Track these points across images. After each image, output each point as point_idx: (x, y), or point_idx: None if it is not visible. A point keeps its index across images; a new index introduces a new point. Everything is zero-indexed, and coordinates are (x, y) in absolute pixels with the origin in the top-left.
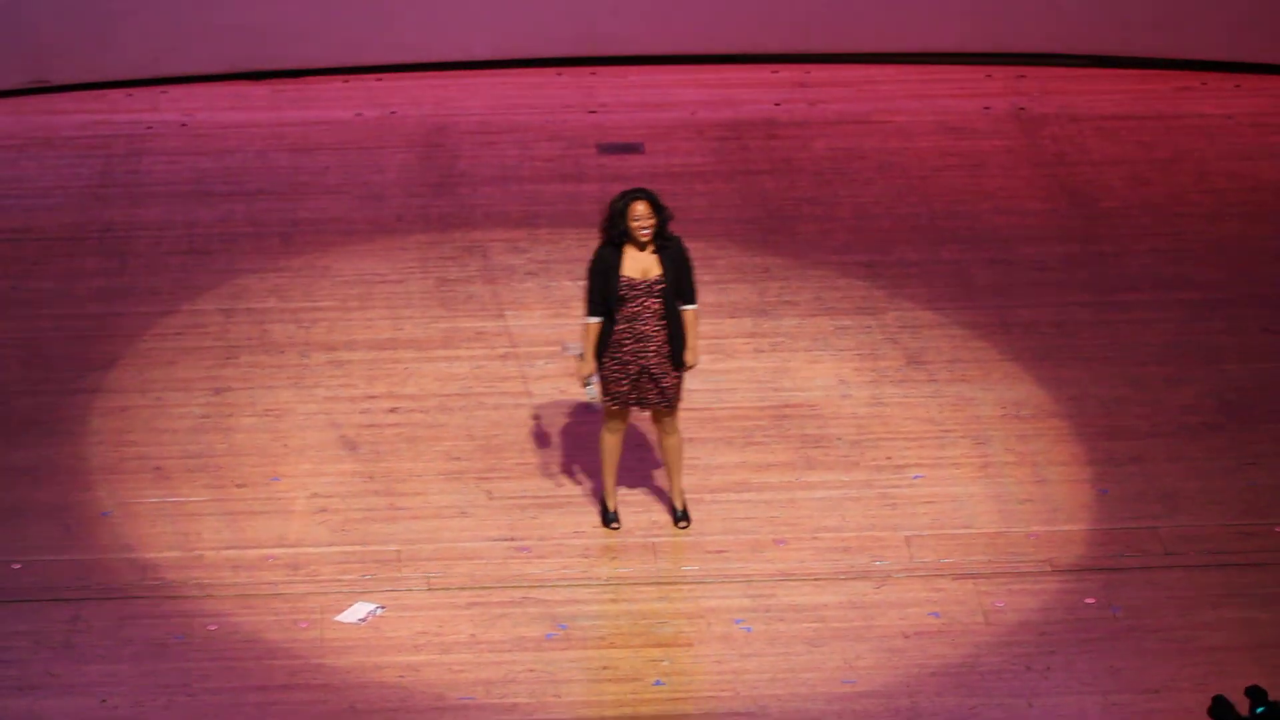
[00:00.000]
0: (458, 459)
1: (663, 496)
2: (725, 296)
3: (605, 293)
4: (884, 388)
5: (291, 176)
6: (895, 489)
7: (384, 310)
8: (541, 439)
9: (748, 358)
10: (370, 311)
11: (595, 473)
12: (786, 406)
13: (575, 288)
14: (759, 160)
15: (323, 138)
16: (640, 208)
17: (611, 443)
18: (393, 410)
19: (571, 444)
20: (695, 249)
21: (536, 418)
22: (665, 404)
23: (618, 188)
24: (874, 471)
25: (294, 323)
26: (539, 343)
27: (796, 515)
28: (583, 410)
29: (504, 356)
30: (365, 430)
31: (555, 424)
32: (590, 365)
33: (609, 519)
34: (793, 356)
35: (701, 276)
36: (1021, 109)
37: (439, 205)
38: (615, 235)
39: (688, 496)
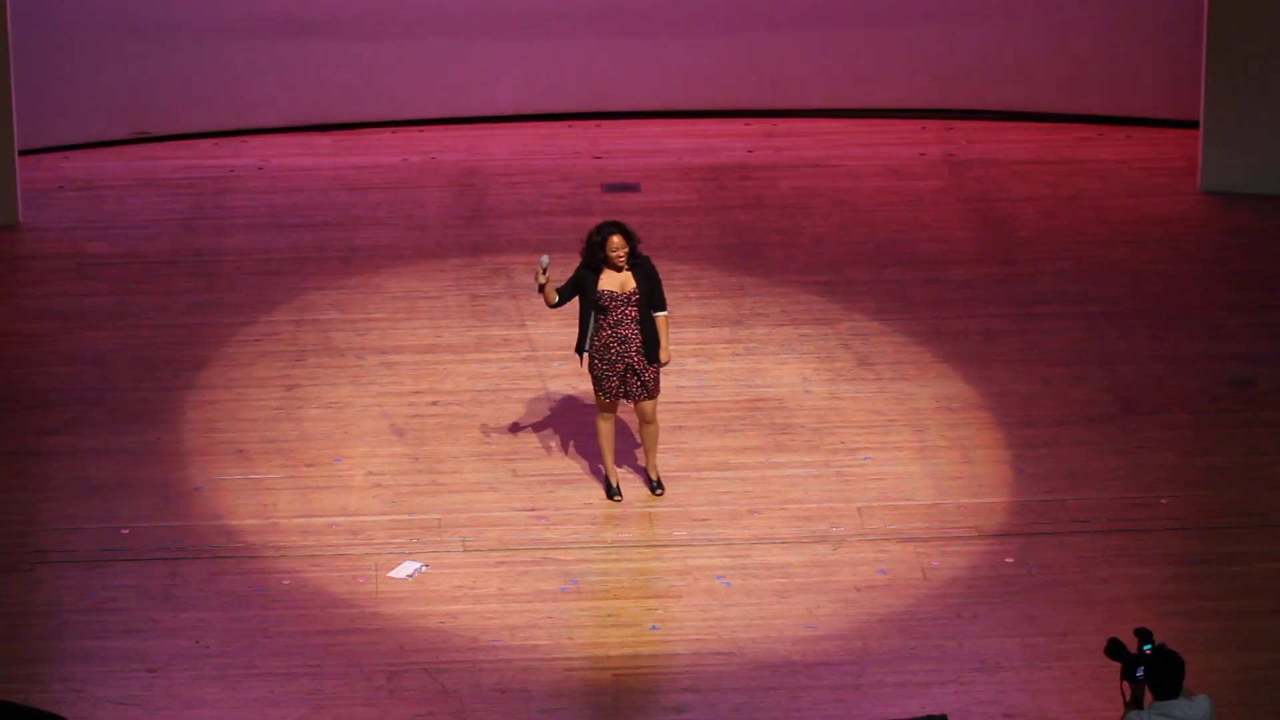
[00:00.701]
0: (488, 443)
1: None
2: (707, 310)
3: (576, 292)
4: (839, 385)
5: (349, 211)
6: (849, 468)
7: (426, 320)
8: (557, 427)
9: (726, 360)
10: (415, 322)
11: (599, 455)
12: (759, 400)
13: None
14: (735, 197)
15: (374, 179)
16: (616, 239)
17: (605, 429)
18: (434, 403)
19: (582, 431)
20: (682, 271)
21: (553, 409)
22: (647, 395)
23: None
24: (831, 454)
25: (352, 331)
26: (555, 348)
27: (767, 489)
28: (591, 405)
29: (525, 359)
30: (411, 420)
31: (568, 415)
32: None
33: (612, 493)
34: (764, 359)
35: (687, 293)
36: (951, 155)
37: (471, 234)
38: (594, 263)
39: (676, 475)
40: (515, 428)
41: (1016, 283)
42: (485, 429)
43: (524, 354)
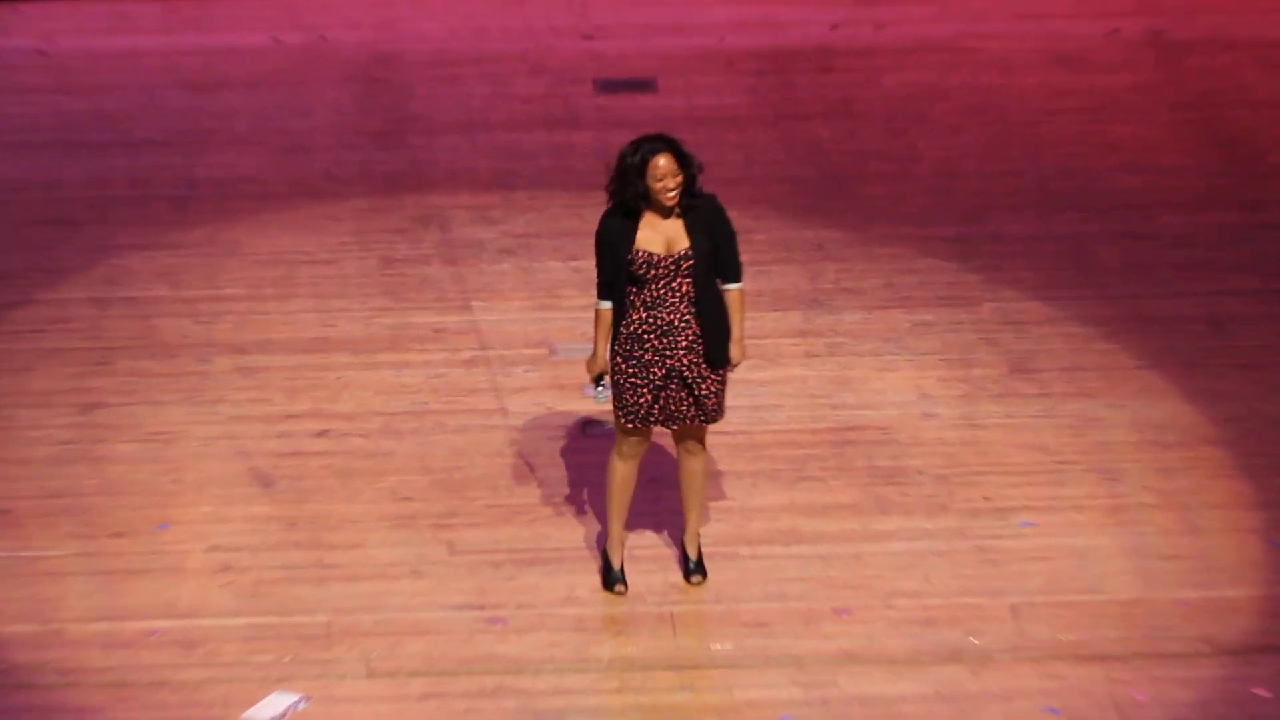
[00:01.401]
0: (408, 499)
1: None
2: (767, 282)
3: (618, 270)
4: (979, 404)
5: (189, 122)
6: (996, 540)
7: (310, 300)
8: (520, 473)
9: (796, 364)
10: (292, 302)
11: (597, 515)
12: (849, 429)
13: (565, 270)
14: (809, 101)
15: (230, 71)
16: (662, 162)
17: (623, 474)
18: (321, 434)
19: (562, 479)
20: None
21: (514, 444)
22: (701, 417)
23: (620, 137)
24: (967, 517)
25: (190, 317)
26: (517, 343)
27: (864, 575)
28: (576, 434)
29: (470, 362)
30: (284, 461)
31: (540, 452)
32: (602, 361)
33: (613, 579)
34: (856, 362)
35: None
36: (1160, 32)
37: (383, 160)
38: (629, 200)
39: (718, 550)
40: (453, 474)
41: (1267, 239)
42: (404, 476)
43: (468, 353)
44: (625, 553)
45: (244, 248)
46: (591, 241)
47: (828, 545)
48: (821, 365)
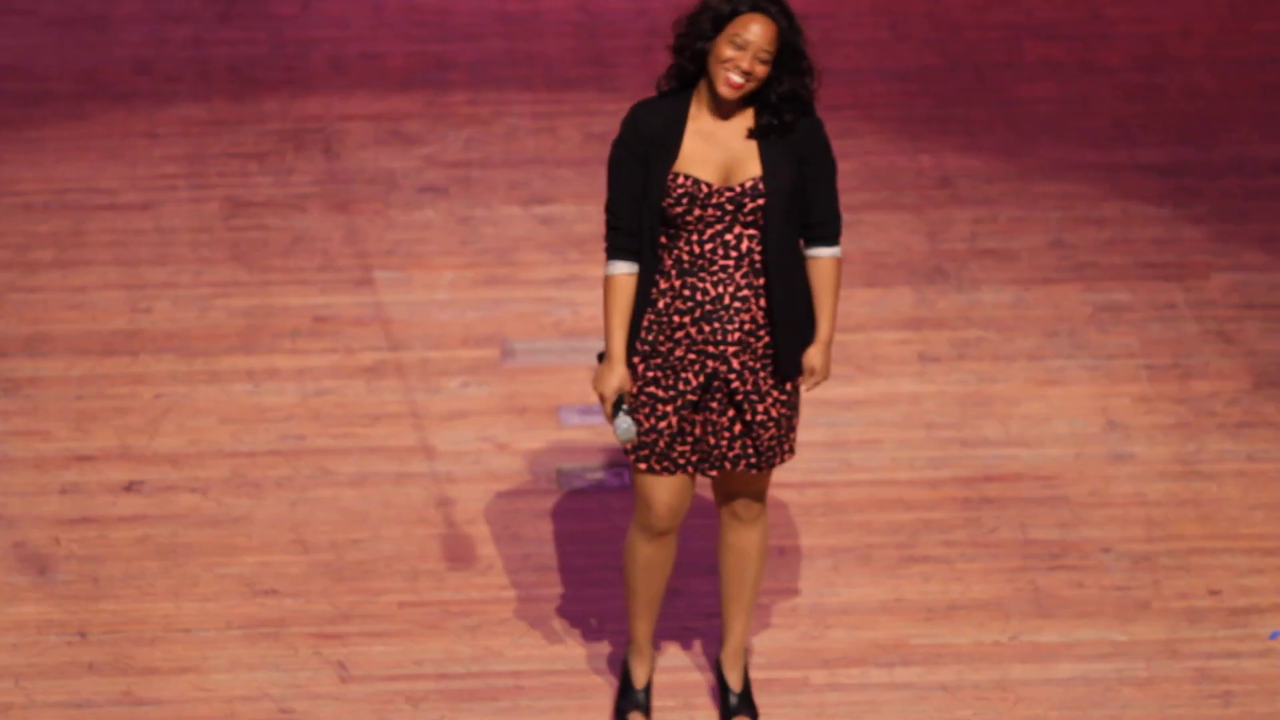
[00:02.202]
0: (273, 593)
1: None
2: (856, 241)
3: (644, 202)
4: (1205, 439)
5: None
6: (1231, 660)
7: (110, 270)
8: (455, 551)
9: (904, 372)
10: (80, 273)
11: (579, 617)
12: (989, 479)
13: (528, 220)
14: None
15: None
16: (756, 29)
17: (647, 557)
18: (130, 487)
19: (522, 560)
20: None
21: (445, 504)
22: (754, 460)
23: (617, 8)
24: (1184, 622)
25: None
26: (451, 341)
27: (1016, 717)
28: (546, 487)
29: (374, 371)
30: (70, 532)
31: (487, 518)
32: (621, 368)
33: (631, 704)
34: (1003, 371)
35: None
36: None
37: (230, 41)
38: (686, 58)
39: (769, 672)
40: (345, 553)
41: None
42: (266, 556)
43: (369, 356)
44: (653, 664)
45: (3, 183)
46: (570, 172)
47: (956, 668)
48: (946, 375)
